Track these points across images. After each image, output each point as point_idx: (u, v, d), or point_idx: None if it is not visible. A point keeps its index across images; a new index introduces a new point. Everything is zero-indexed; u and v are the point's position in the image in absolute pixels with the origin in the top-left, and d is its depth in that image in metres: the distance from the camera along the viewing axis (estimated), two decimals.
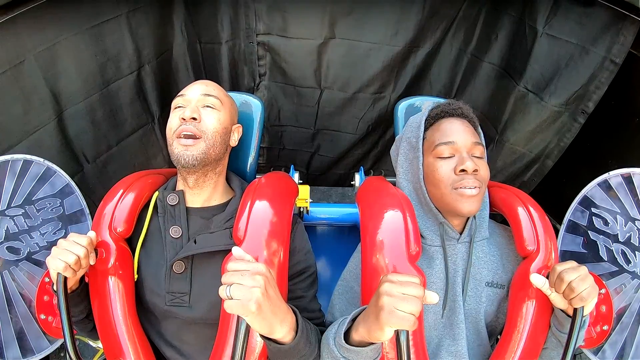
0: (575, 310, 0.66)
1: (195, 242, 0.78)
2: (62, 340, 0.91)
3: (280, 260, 0.73)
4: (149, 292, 0.79)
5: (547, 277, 0.71)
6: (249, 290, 0.55)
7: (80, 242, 0.71)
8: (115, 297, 0.75)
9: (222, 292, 0.56)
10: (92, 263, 0.73)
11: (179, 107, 0.84)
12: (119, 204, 0.80)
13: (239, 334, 0.59)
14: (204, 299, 0.78)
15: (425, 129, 0.85)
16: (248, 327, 0.59)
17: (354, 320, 0.65)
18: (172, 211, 0.82)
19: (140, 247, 0.80)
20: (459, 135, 0.80)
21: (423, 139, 0.84)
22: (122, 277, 0.76)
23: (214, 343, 0.73)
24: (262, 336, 0.64)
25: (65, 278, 0.69)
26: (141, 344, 0.76)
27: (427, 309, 0.79)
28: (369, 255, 0.74)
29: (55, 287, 0.70)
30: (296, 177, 1.33)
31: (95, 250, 0.75)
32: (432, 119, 0.85)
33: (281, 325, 0.61)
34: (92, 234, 0.75)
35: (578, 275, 0.66)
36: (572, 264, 0.69)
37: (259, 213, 0.75)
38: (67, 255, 0.68)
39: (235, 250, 0.65)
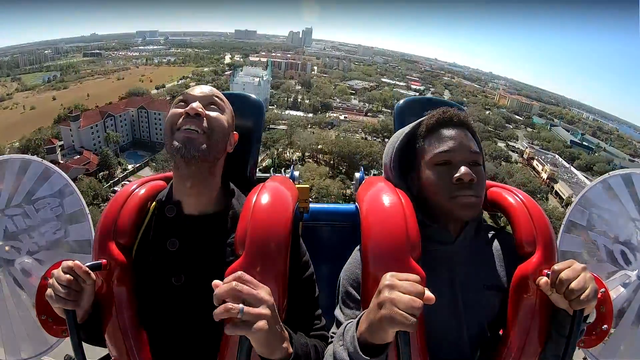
0: (575, 311, 0.66)
1: (194, 257, 0.78)
2: (62, 340, 0.92)
3: (279, 273, 0.73)
4: (151, 300, 0.80)
5: (548, 277, 0.71)
6: (260, 316, 0.59)
7: (61, 279, 0.70)
8: (121, 305, 0.76)
9: (233, 312, 0.58)
10: (88, 283, 0.73)
11: (181, 102, 0.82)
12: (121, 215, 0.80)
13: (242, 349, 0.61)
14: (203, 306, 0.77)
15: (423, 138, 0.85)
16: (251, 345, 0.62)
17: (357, 322, 0.66)
18: (169, 223, 0.82)
19: (141, 256, 0.81)
20: (456, 145, 0.80)
21: (422, 148, 0.84)
22: (125, 287, 0.78)
23: (217, 348, 0.73)
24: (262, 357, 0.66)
25: (74, 311, 0.70)
26: (147, 351, 0.77)
27: (427, 312, 0.79)
28: (369, 255, 0.74)
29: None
30: (296, 175, 1.33)
31: (95, 268, 0.74)
32: (429, 128, 0.84)
33: (280, 344, 0.65)
34: (70, 263, 0.72)
35: (578, 277, 0.65)
36: (572, 263, 0.69)
37: (259, 226, 0.75)
38: (53, 296, 0.69)
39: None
